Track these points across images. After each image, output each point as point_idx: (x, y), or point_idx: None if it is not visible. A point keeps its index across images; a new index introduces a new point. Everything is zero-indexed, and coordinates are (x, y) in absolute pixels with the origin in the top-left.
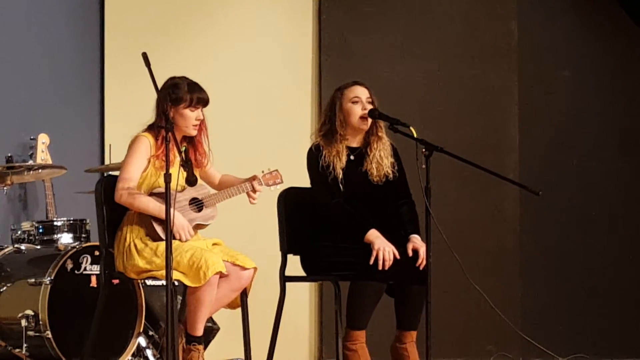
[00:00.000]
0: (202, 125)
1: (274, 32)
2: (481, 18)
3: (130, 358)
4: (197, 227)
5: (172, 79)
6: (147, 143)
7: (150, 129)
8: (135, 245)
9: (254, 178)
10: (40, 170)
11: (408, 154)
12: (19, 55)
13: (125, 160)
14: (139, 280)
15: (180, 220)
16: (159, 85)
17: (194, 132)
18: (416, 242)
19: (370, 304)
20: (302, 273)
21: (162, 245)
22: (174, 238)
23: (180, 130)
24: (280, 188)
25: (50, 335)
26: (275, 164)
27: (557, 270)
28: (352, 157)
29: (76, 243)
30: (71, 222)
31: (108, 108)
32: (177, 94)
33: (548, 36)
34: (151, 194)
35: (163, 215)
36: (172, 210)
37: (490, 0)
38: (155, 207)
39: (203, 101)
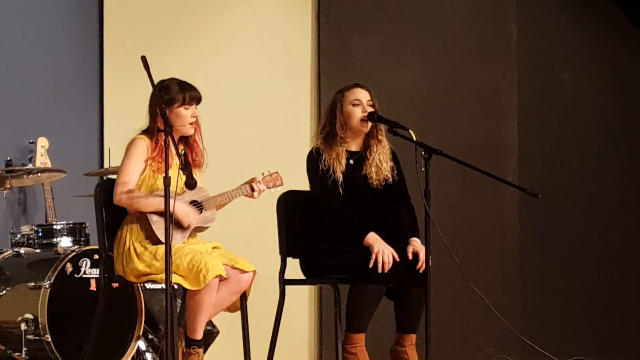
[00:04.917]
0: (196, 123)
1: (273, 35)
2: (481, 20)
3: None
4: (197, 229)
5: (161, 82)
6: (144, 145)
7: (146, 132)
8: (134, 249)
9: (253, 180)
10: (39, 174)
11: (407, 157)
12: (18, 59)
13: (123, 163)
14: (139, 284)
15: (182, 207)
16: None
17: (191, 131)
18: (416, 245)
19: (369, 307)
20: (302, 276)
21: (161, 248)
22: (180, 227)
23: (177, 130)
24: (280, 191)
25: (49, 339)
26: (274, 166)
27: (557, 273)
28: (351, 162)
29: (75, 247)
30: (70, 225)
31: (107, 111)
32: (170, 95)
33: (548, 38)
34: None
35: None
36: (171, 212)
37: (490, 3)
38: (155, 201)
39: (196, 98)
